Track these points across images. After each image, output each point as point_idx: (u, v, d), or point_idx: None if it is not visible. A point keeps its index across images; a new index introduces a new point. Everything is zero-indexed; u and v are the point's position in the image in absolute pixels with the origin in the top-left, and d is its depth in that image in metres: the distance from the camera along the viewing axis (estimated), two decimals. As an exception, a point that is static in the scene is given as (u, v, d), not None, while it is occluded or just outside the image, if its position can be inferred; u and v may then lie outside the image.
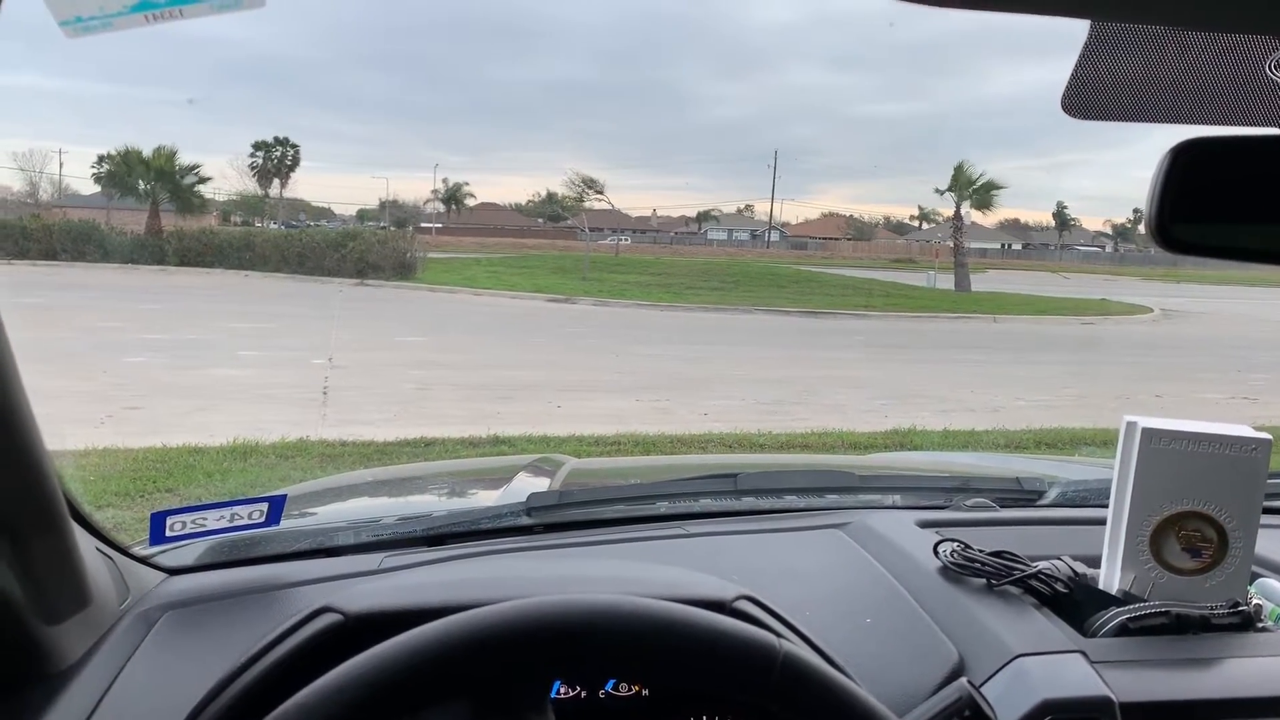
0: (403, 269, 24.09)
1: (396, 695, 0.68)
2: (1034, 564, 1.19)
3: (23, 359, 0.80)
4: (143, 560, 1.25)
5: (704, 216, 70.49)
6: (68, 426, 6.39)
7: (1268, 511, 1.21)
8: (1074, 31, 0.89)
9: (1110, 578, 1.18)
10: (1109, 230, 72.85)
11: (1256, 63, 0.89)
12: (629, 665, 0.73)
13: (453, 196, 59.74)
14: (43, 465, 0.85)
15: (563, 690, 1.05)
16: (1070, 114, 0.93)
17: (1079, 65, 0.90)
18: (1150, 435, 1.14)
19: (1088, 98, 0.92)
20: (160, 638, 1.10)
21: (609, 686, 1.06)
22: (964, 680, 0.92)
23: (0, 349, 0.77)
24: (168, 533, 1.19)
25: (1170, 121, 0.97)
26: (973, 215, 34.40)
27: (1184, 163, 0.91)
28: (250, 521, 1.25)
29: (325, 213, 62.10)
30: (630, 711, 1.05)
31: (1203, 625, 1.11)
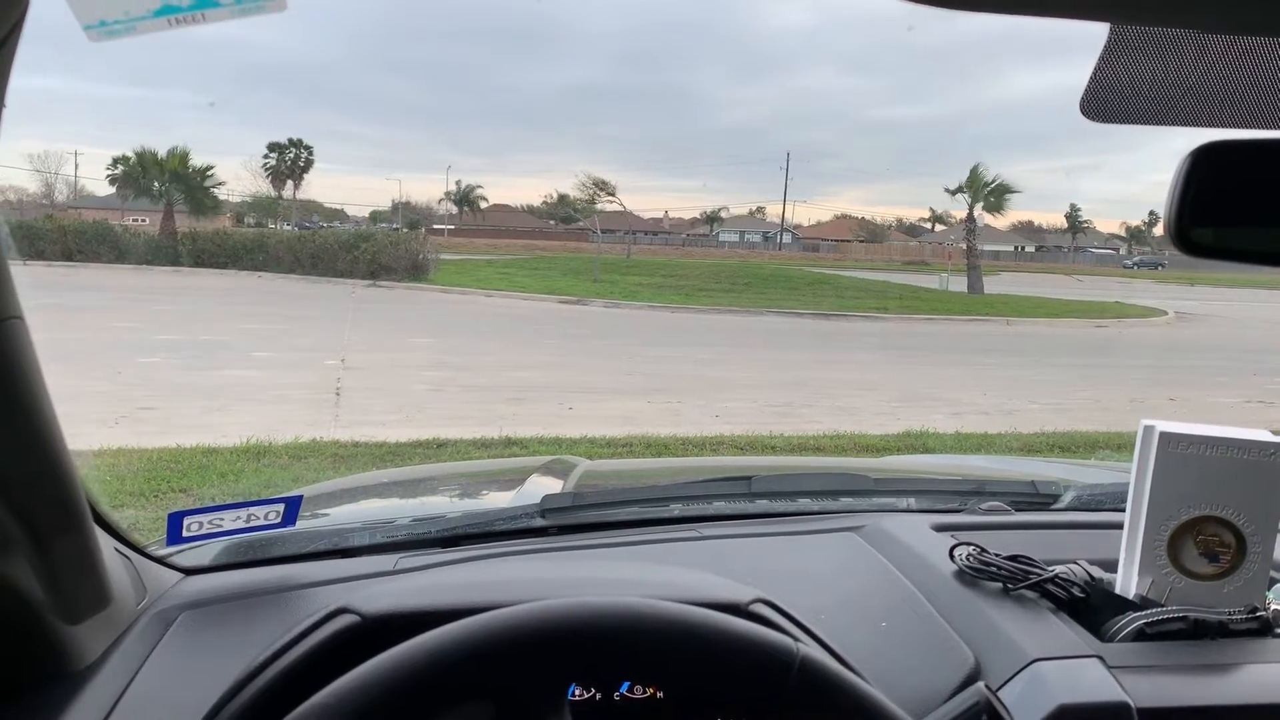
0: (415, 270, 24.15)
1: (415, 697, 0.68)
2: (1050, 568, 1.19)
3: (39, 359, 0.81)
4: (160, 560, 1.25)
5: (714, 218, 70.35)
6: (82, 427, 6.41)
7: None
8: (1091, 34, 0.89)
9: (1127, 582, 1.17)
10: (1123, 233, 72.43)
11: (1277, 65, 0.88)
12: (646, 667, 0.73)
13: (465, 198, 59.85)
14: (65, 466, 0.85)
15: (578, 692, 1.05)
16: (1089, 117, 0.92)
17: (1098, 68, 0.89)
18: (1168, 439, 1.13)
19: (1106, 101, 0.91)
20: (178, 637, 1.10)
21: (624, 689, 1.06)
22: (981, 684, 0.91)
23: (27, 353, 0.78)
24: (184, 533, 1.20)
25: (1190, 125, 0.96)
26: (986, 218, 34.29)
27: (1204, 166, 0.91)
28: (266, 522, 1.25)
29: (338, 214, 62.33)
30: (644, 714, 1.05)
31: (1221, 631, 1.10)
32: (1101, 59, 0.88)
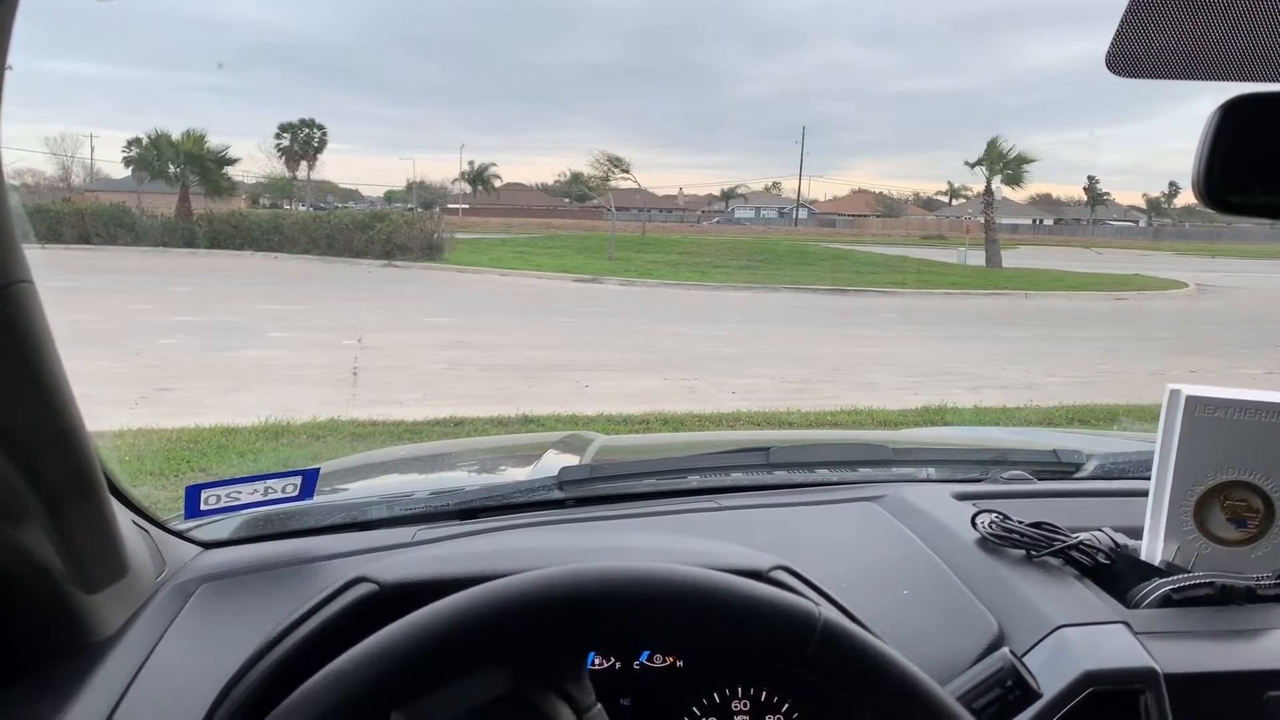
0: (430, 250, 24.15)
1: (434, 662, 0.67)
2: (1074, 535, 1.18)
3: (58, 341, 0.80)
4: (178, 534, 1.26)
5: (730, 194, 69.92)
6: (102, 408, 6.45)
7: None
8: (1112, -1, 0.86)
9: (1153, 549, 1.16)
10: (1143, 204, 71.62)
11: (1309, 16, 0.86)
12: (666, 631, 0.72)
13: (479, 177, 59.72)
14: (79, 434, 0.85)
15: (597, 661, 1.05)
16: (1115, 72, 0.90)
17: (1124, 22, 0.87)
18: (1194, 403, 1.11)
19: (1133, 55, 0.89)
20: (197, 609, 1.10)
21: (643, 658, 1.05)
22: (1006, 650, 0.90)
23: (41, 328, 0.78)
24: (202, 506, 1.20)
25: (1217, 79, 0.94)
26: (1004, 191, 33.88)
27: (1234, 120, 0.89)
28: (284, 495, 1.25)
29: (353, 194, 62.36)
30: (664, 683, 1.05)
31: (1248, 596, 1.08)
32: (1128, 12, 0.86)
